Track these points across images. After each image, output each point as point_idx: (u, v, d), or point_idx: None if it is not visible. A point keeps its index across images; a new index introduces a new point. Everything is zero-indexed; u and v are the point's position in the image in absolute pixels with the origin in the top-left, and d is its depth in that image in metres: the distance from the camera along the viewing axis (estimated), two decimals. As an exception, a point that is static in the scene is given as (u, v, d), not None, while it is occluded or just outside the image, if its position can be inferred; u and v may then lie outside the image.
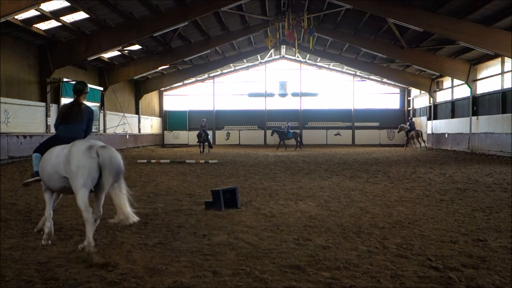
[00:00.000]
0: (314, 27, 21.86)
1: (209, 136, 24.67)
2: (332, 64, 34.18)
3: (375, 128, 35.53)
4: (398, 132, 30.53)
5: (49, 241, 4.78)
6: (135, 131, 30.54)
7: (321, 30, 24.43)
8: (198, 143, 24.52)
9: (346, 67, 33.80)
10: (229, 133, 35.89)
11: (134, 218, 4.58)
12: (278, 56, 35.08)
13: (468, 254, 4.40)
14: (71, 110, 5.28)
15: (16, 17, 15.55)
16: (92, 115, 5.43)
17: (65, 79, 20.91)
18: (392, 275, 3.78)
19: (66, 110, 5.31)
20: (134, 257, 4.29)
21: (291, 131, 27.35)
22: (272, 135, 27.93)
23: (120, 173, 4.56)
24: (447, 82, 27.75)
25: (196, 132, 25.63)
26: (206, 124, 24.71)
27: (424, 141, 28.45)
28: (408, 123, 29.04)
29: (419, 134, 28.00)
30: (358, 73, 34.93)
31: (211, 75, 35.56)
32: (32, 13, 15.79)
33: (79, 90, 5.40)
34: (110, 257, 4.26)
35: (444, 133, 27.27)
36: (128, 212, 4.56)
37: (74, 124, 5.20)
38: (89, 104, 25.13)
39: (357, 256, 4.32)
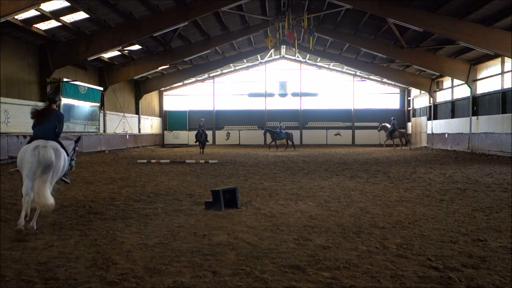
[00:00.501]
0: (314, 27, 21.86)
1: (207, 136, 24.54)
2: (332, 64, 34.19)
3: (375, 128, 35.53)
4: (379, 130, 31.12)
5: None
6: (135, 131, 30.54)
7: (321, 30, 24.43)
8: (197, 143, 24.33)
9: (346, 67, 33.80)
10: (229, 133, 35.90)
11: (49, 201, 5.38)
12: (278, 56, 35.08)
13: (468, 254, 4.40)
14: (42, 114, 6.20)
15: (16, 17, 15.55)
16: (62, 118, 6.38)
17: (65, 79, 20.93)
18: (392, 275, 3.78)
19: (37, 114, 6.19)
20: (134, 257, 4.29)
21: (284, 131, 27.35)
22: (264, 134, 27.87)
23: (47, 167, 5.55)
24: (447, 82, 27.75)
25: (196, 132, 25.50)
26: (204, 123, 24.58)
27: (408, 142, 29.10)
28: (391, 123, 29.34)
29: (403, 134, 28.80)
30: (358, 73, 34.93)
31: (211, 75, 35.57)
32: (32, 13, 15.80)
33: (51, 99, 6.39)
34: (110, 257, 4.26)
35: (444, 133, 27.27)
36: (44, 196, 5.36)
37: (45, 125, 6.11)
38: (89, 104, 24.96)
39: (357, 256, 4.32)
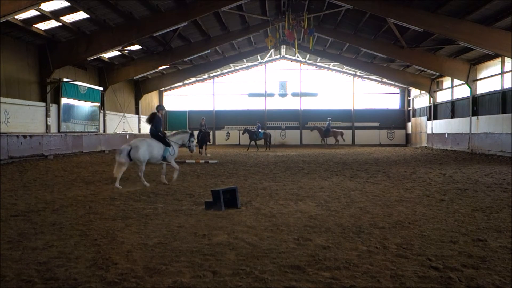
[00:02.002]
0: (314, 27, 21.87)
1: (209, 135, 24.04)
2: (332, 64, 34.20)
3: (375, 128, 35.57)
4: (311, 130, 32.80)
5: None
6: (135, 131, 30.55)
7: (321, 30, 24.43)
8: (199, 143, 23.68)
9: (346, 67, 33.81)
10: (229, 133, 35.91)
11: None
12: (278, 56, 35.09)
13: (468, 254, 4.40)
14: (151, 117, 10.16)
15: (16, 17, 15.56)
16: (160, 120, 10.16)
17: (65, 79, 20.94)
18: (392, 275, 3.78)
19: (150, 117, 10.19)
20: (134, 257, 4.29)
21: (262, 131, 27.33)
22: (243, 134, 27.75)
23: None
24: (447, 82, 27.76)
25: (197, 132, 25.13)
26: (206, 123, 24.30)
27: (343, 140, 31.76)
28: (327, 123, 30.94)
29: (337, 134, 31.02)
30: (358, 73, 34.94)
31: (211, 75, 35.58)
32: (32, 13, 15.81)
33: (157, 109, 10.28)
34: (110, 257, 4.26)
35: (444, 133, 27.28)
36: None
37: (153, 124, 10.04)
38: (89, 104, 24.92)
39: (357, 256, 4.32)
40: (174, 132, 10.51)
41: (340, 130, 32.05)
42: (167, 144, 9.84)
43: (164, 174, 10.12)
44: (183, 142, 10.26)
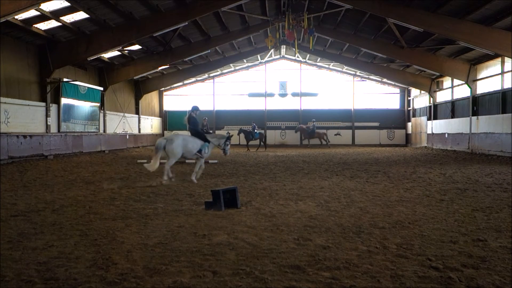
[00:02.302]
0: (314, 27, 21.87)
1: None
2: (332, 64, 34.20)
3: (375, 128, 35.57)
4: (296, 132, 33.08)
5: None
6: (135, 131, 30.55)
7: (321, 30, 24.43)
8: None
9: (346, 67, 33.81)
10: (229, 133, 35.87)
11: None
12: (278, 56, 35.09)
13: (468, 254, 4.40)
14: (188, 118, 10.97)
15: (16, 17, 15.56)
16: (194, 121, 10.98)
17: (65, 79, 20.93)
18: (392, 275, 3.78)
19: (187, 118, 10.95)
20: (134, 257, 4.29)
21: (257, 131, 27.28)
22: (238, 134, 27.64)
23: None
24: (447, 82, 27.76)
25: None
26: (208, 123, 24.03)
27: (327, 141, 31.78)
28: (312, 124, 31.20)
29: (321, 135, 31.37)
30: (358, 73, 34.94)
31: (211, 75, 35.58)
32: (32, 13, 15.80)
33: (191, 110, 11.01)
34: (110, 257, 4.26)
35: (444, 133, 27.28)
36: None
37: (190, 124, 10.95)
38: (89, 104, 24.93)
39: (357, 256, 4.32)
40: (212, 134, 11.50)
41: (323, 131, 32.27)
42: (206, 140, 10.59)
43: (198, 174, 10.62)
44: (219, 144, 10.91)
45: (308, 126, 31.68)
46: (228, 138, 11.07)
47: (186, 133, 11.12)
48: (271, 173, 12.54)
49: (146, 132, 32.67)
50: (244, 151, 26.19)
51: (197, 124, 11.03)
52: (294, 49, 25.09)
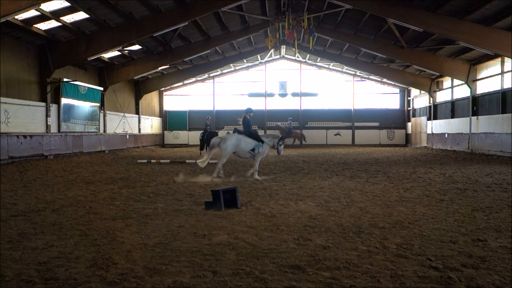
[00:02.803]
0: (314, 27, 21.87)
1: (216, 135, 22.33)
2: (332, 64, 34.20)
3: (375, 128, 35.57)
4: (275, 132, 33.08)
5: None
6: (135, 131, 30.55)
7: (321, 30, 24.43)
8: (201, 144, 22.37)
9: (346, 67, 33.80)
10: (229, 133, 35.88)
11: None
12: (278, 56, 35.09)
13: (468, 254, 4.40)
14: (243, 120, 11.53)
15: (16, 17, 15.56)
16: (247, 122, 11.70)
17: (65, 79, 20.93)
18: (392, 275, 3.78)
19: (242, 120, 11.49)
20: (134, 257, 4.29)
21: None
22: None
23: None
24: (447, 82, 27.76)
25: (198, 132, 24.32)
26: (211, 123, 23.81)
27: (304, 141, 31.82)
28: (288, 123, 31.17)
29: (298, 135, 31.48)
30: (358, 73, 34.94)
31: (211, 75, 35.58)
32: (32, 13, 15.80)
33: (245, 112, 11.75)
34: (110, 257, 4.26)
35: (444, 133, 27.28)
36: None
37: (243, 125, 11.65)
38: (89, 104, 24.85)
39: (357, 256, 4.32)
40: (266, 134, 12.05)
41: (299, 131, 32.33)
42: (260, 140, 11.13)
43: (254, 172, 11.11)
44: (274, 144, 11.35)
45: (285, 125, 31.53)
46: (282, 138, 11.54)
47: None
48: (271, 173, 12.54)
49: (146, 132, 32.67)
50: None
51: (251, 125, 11.69)
52: (294, 49, 25.09)
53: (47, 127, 19.73)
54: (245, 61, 33.55)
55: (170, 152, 26.60)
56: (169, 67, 29.69)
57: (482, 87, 22.99)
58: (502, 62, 20.94)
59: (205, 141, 21.85)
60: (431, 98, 29.74)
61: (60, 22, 17.41)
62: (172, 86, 35.42)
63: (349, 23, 23.13)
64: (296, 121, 35.55)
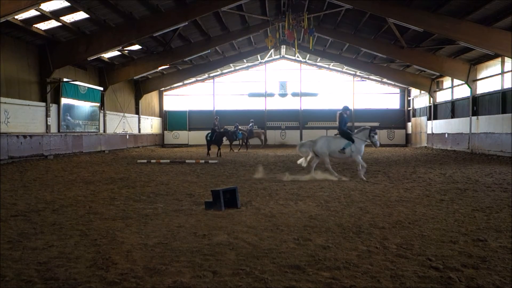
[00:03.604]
0: (314, 27, 21.86)
1: (223, 136, 22.36)
2: (332, 64, 34.19)
3: (375, 128, 35.50)
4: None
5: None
6: (135, 131, 30.54)
7: (321, 30, 24.42)
8: (210, 144, 21.97)
9: (346, 67, 33.80)
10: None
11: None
12: (278, 56, 35.09)
13: (468, 254, 4.40)
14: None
15: (16, 17, 15.55)
16: (343, 119, 11.63)
17: (65, 79, 20.94)
18: (392, 275, 3.78)
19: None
20: (134, 257, 4.29)
21: (240, 132, 27.13)
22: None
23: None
24: (447, 82, 27.76)
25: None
26: (219, 123, 23.61)
27: (265, 141, 31.87)
28: (250, 125, 30.97)
29: (259, 135, 31.33)
30: (358, 73, 34.94)
31: (211, 75, 35.58)
32: (32, 13, 15.80)
33: (343, 110, 11.78)
34: (110, 257, 4.26)
35: (444, 133, 27.28)
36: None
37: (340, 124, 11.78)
38: (89, 104, 24.88)
39: (357, 256, 4.32)
40: (355, 130, 11.88)
41: (261, 131, 32.33)
42: (350, 139, 11.13)
43: (362, 172, 11.06)
44: (366, 138, 11.29)
45: (247, 127, 31.17)
46: (372, 129, 11.43)
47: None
48: (271, 173, 12.53)
49: (146, 132, 32.67)
50: (244, 151, 26.16)
51: (345, 123, 11.58)
52: (294, 49, 25.08)
53: (47, 127, 19.73)
54: (245, 61, 33.56)
55: (170, 152, 26.60)
56: (169, 67, 29.69)
57: (482, 87, 22.99)
58: (502, 62, 20.94)
59: (213, 142, 21.77)
60: (431, 98, 29.74)
61: (60, 22, 17.41)
62: (172, 86, 35.42)
63: (349, 23, 23.13)
64: (296, 121, 35.55)
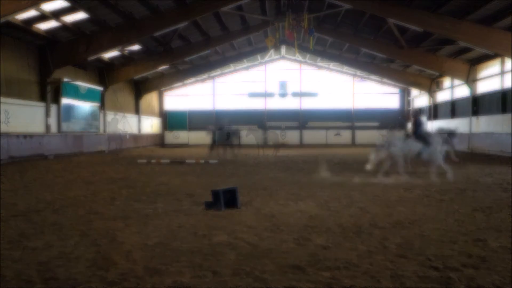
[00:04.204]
0: (314, 27, 21.87)
1: (230, 136, 21.88)
2: (332, 64, 34.20)
3: (375, 128, 35.55)
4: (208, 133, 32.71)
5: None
6: (135, 131, 30.54)
7: (321, 30, 24.43)
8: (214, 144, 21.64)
9: (346, 67, 33.81)
10: (230, 133, 35.87)
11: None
12: (278, 56, 35.10)
13: (468, 254, 4.40)
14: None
15: (16, 17, 15.56)
16: (419, 122, 11.71)
17: (65, 79, 20.93)
18: (392, 275, 3.78)
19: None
20: (134, 257, 4.29)
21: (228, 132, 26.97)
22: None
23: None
24: (447, 82, 27.76)
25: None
26: (225, 123, 23.37)
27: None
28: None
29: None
30: (358, 73, 34.94)
31: (211, 75, 35.60)
32: (32, 13, 15.81)
33: (415, 114, 11.75)
34: (110, 257, 4.26)
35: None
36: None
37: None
38: (89, 104, 24.81)
39: (357, 256, 4.32)
40: (436, 132, 12.16)
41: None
42: (427, 143, 11.13)
43: (449, 175, 10.81)
44: (443, 141, 11.36)
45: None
46: (450, 133, 11.63)
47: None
48: (271, 173, 12.53)
49: (146, 132, 32.67)
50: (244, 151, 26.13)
51: (421, 127, 11.66)
52: (294, 49, 25.09)
53: (47, 127, 19.73)
54: (245, 61, 33.56)
55: (170, 152, 26.59)
56: (169, 67, 29.70)
57: (482, 87, 22.99)
58: (502, 62, 20.94)
59: (223, 143, 21.54)
60: (431, 98, 29.74)
61: (60, 22, 17.41)
62: (172, 86, 35.43)
63: (349, 23, 23.13)
64: (296, 121, 35.55)
